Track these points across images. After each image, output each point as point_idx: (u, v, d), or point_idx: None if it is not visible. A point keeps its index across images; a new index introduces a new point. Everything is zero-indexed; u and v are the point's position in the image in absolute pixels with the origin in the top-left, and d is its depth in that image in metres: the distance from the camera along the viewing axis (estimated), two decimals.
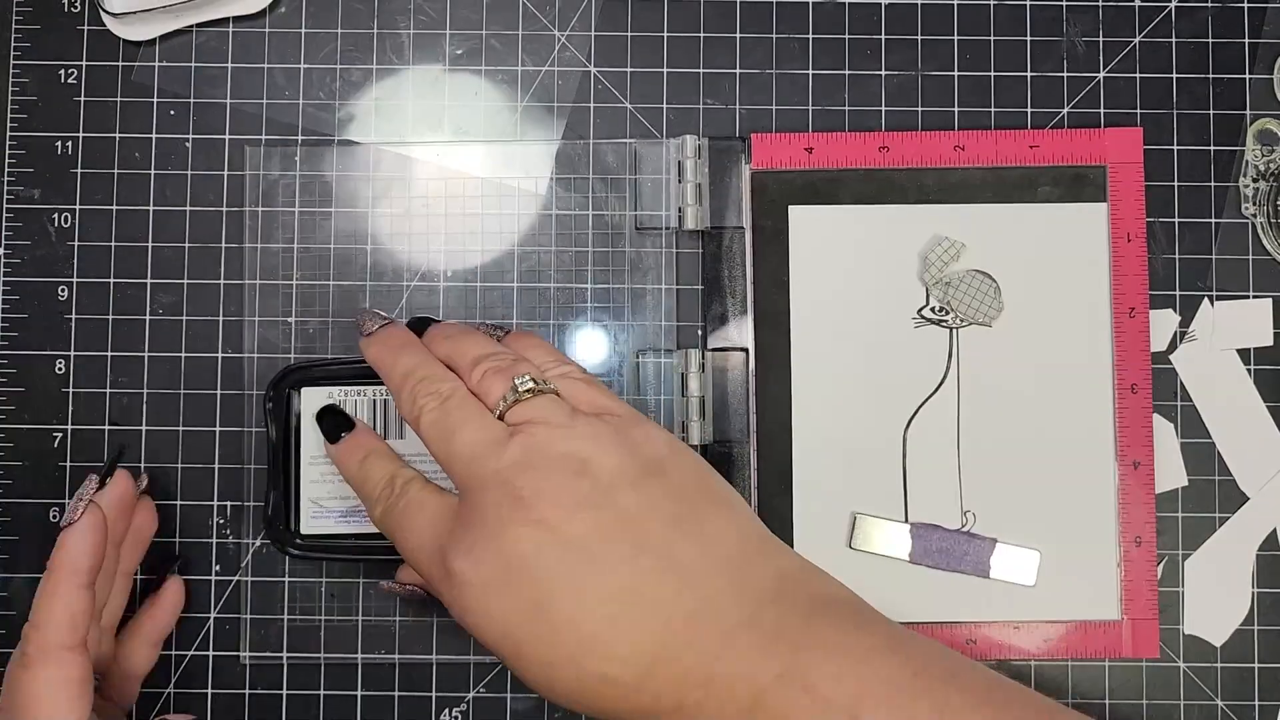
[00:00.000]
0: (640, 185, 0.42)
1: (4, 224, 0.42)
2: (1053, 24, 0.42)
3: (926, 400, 0.41)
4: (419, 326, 0.37)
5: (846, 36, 0.43)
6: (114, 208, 0.42)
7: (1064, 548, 0.40)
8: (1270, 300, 0.42)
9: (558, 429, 0.32)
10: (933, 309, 0.41)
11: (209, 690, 0.41)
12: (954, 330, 0.41)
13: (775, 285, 0.41)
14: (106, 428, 0.41)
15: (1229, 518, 0.41)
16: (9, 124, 0.42)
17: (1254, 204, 0.42)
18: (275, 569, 0.41)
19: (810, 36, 0.43)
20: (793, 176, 0.41)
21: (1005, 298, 0.41)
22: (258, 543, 0.41)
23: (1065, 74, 0.42)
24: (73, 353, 0.42)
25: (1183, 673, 0.41)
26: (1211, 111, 0.42)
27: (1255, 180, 0.42)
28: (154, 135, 0.42)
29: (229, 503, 0.41)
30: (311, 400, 0.39)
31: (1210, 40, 0.42)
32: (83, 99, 0.42)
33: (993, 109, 0.42)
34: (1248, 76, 0.42)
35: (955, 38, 0.42)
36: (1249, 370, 0.42)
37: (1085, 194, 0.41)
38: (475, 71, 0.43)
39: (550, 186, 0.42)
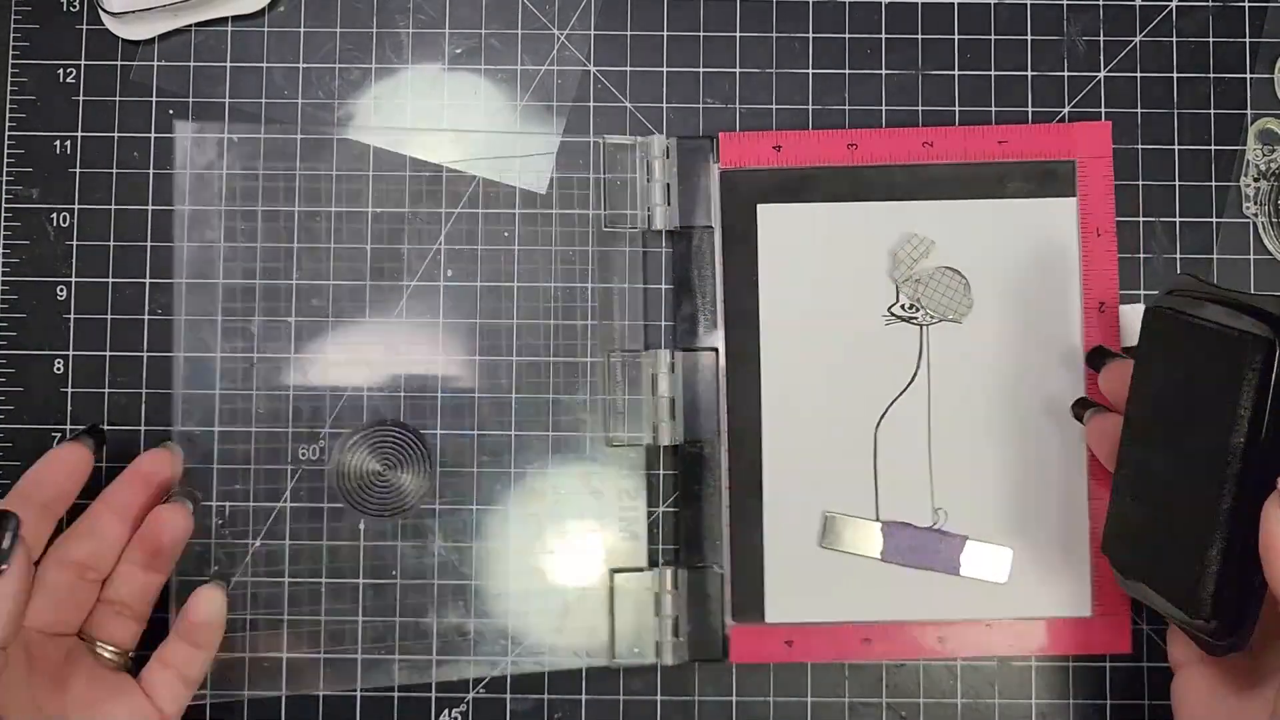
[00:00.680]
0: (609, 185, 0.42)
1: (2, 223, 0.42)
2: (1054, 23, 0.42)
3: (897, 398, 0.41)
4: None
5: (847, 36, 0.42)
6: (112, 207, 0.42)
7: (1035, 545, 0.40)
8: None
9: None
10: (903, 306, 0.41)
11: (208, 691, 0.41)
12: (924, 327, 0.41)
13: (744, 284, 0.41)
14: (105, 427, 0.41)
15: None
16: (8, 123, 0.42)
17: (1255, 203, 0.42)
18: (275, 569, 0.41)
19: (810, 35, 0.42)
20: (761, 175, 0.41)
21: (975, 294, 0.41)
22: (257, 543, 0.41)
23: (1066, 73, 0.42)
24: (71, 352, 0.42)
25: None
26: (1212, 111, 0.42)
27: (1256, 180, 0.42)
28: (153, 135, 0.42)
29: (228, 503, 0.41)
30: None
31: (1211, 39, 0.42)
32: (81, 98, 0.42)
33: (993, 108, 0.42)
34: (1249, 76, 0.42)
35: (956, 37, 0.42)
36: None
37: (1055, 189, 0.41)
38: (475, 70, 0.43)
39: (552, 185, 0.42)
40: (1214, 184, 0.42)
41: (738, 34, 0.42)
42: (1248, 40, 0.42)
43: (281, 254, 0.42)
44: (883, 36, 0.42)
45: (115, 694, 0.36)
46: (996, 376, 0.40)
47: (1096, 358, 0.39)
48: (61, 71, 0.42)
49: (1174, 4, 0.42)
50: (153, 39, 0.42)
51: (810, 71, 0.42)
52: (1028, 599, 0.40)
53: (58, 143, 0.42)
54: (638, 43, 0.42)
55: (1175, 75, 0.42)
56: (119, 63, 0.42)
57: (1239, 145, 0.42)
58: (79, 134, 0.42)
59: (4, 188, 0.42)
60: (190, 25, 0.42)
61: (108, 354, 0.42)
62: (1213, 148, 0.42)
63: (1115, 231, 0.41)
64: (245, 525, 0.41)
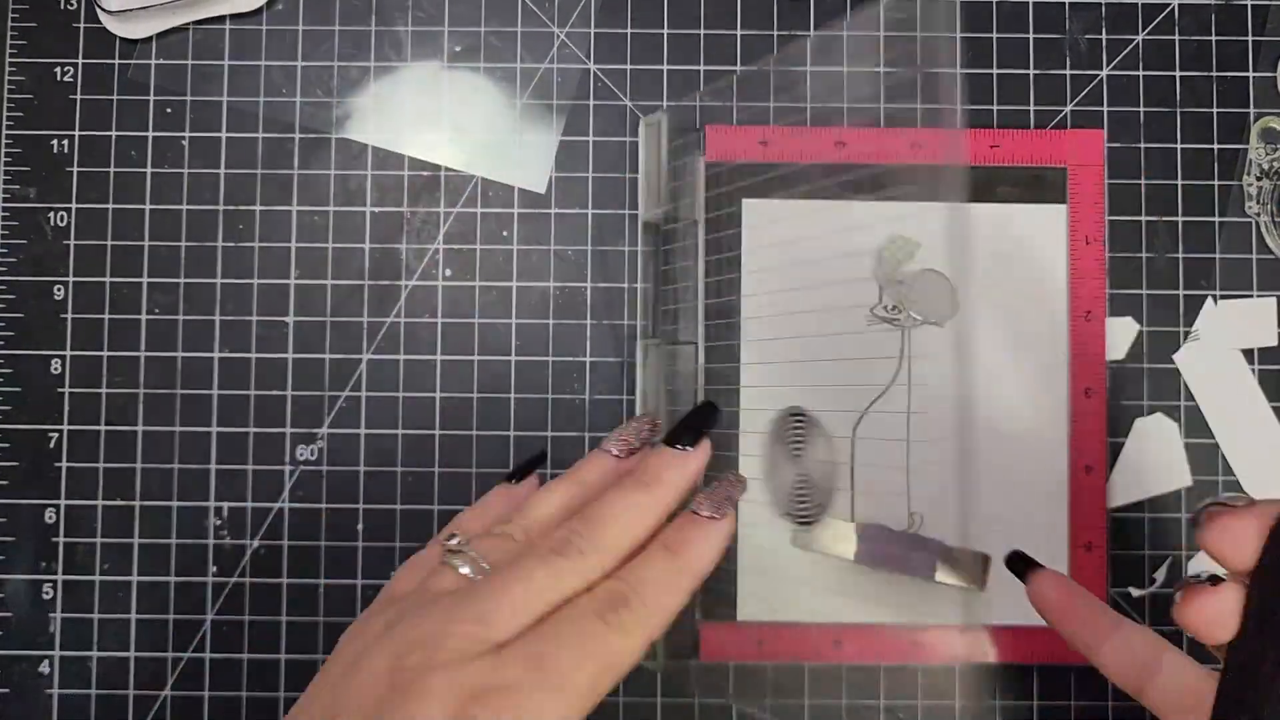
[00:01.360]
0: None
1: (0, 223, 0.42)
2: (1056, 22, 0.42)
3: (876, 400, 0.41)
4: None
5: (846, 35, 0.42)
6: (110, 206, 0.42)
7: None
8: (1274, 299, 0.41)
9: None
10: (885, 307, 0.41)
11: (206, 692, 0.41)
12: (906, 329, 0.41)
13: (726, 279, 0.41)
14: (102, 428, 0.41)
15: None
16: (5, 122, 0.42)
17: (1258, 202, 0.41)
18: (274, 570, 0.41)
19: (811, 34, 0.42)
20: (747, 169, 0.41)
21: (959, 298, 0.41)
22: (256, 543, 0.41)
23: (1068, 72, 0.42)
24: (69, 352, 0.42)
25: None
26: (1215, 110, 0.42)
27: (1259, 179, 0.42)
28: (150, 133, 0.42)
29: (226, 504, 0.41)
30: None
31: (1213, 38, 0.42)
32: (79, 97, 0.42)
33: (995, 107, 0.42)
34: (1251, 75, 0.42)
35: (958, 35, 0.42)
36: (1253, 370, 0.41)
37: (1044, 195, 0.41)
38: (474, 69, 0.42)
39: (551, 184, 0.42)
40: (1216, 183, 0.42)
41: (738, 32, 0.42)
42: (1250, 39, 0.42)
43: (280, 253, 0.42)
44: (882, 36, 0.42)
45: None
46: (978, 381, 0.40)
47: (1202, 516, 0.28)
48: (59, 70, 0.42)
49: (1176, 3, 0.42)
50: (150, 37, 0.42)
51: (809, 70, 0.42)
52: (1002, 605, 0.40)
53: (55, 141, 0.42)
54: (638, 41, 0.42)
55: (1177, 74, 0.42)
56: (117, 61, 0.42)
57: (1241, 144, 0.42)
58: (76, 133, 0.42)
59: (1, 187, 0.42)
60: (188, 23, 0.42)
61: (105, 354, 0.41)
62: (1215, 147, 0.42)
63: (1104, 240, 0.41)
64: (244, 526, 0.41)
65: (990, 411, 0.40)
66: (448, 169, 0.42)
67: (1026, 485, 0.40)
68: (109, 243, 0.42)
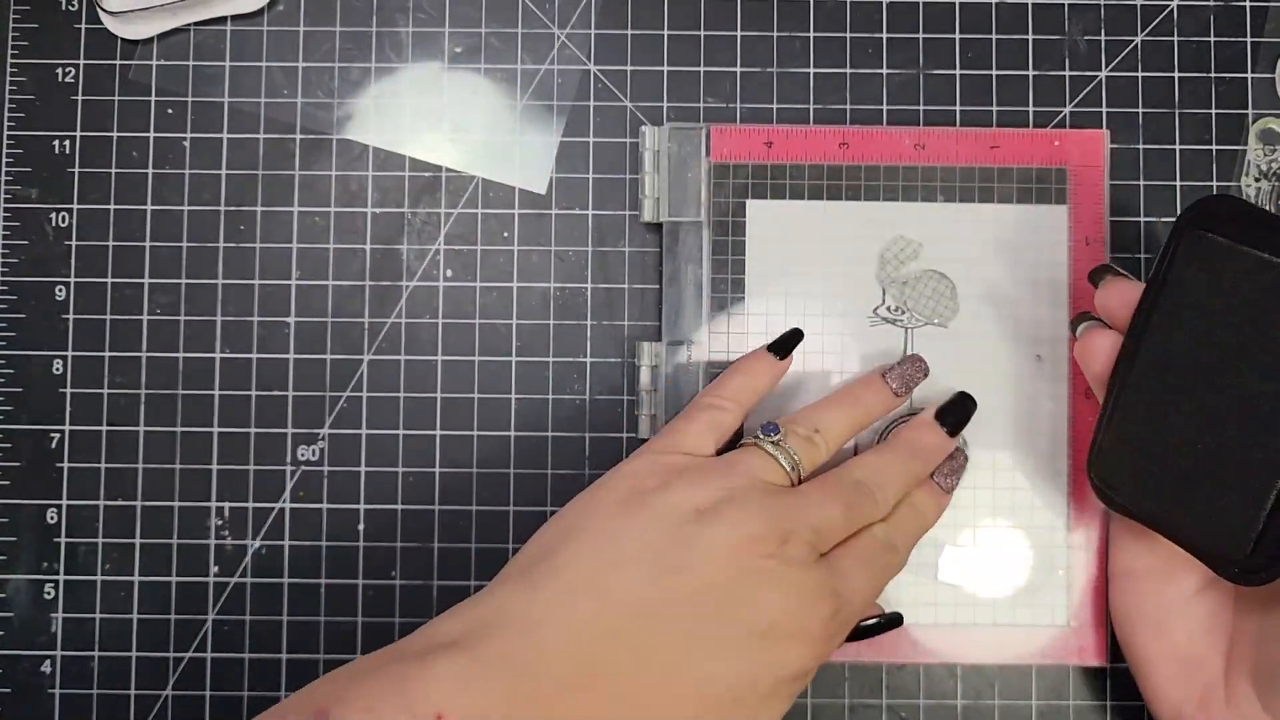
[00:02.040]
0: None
1: (1, 223, 0.42)
2: (1055, 23, 0.42)
3: None
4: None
5: (848, 35, 0.42)
6: (111, 207, 0.42)
7: (1014, 553, 0.40)
8: None
9: None
10: (888, 308, 0.41)
11: (207, 692, 0.41)
12: (909, 330, 0.41)
13: (731, 279, 0.41)
14: (104, 428, 0.41)
15: None
16: (6, 123, 0.42)
17: (1257, 203, 0.42)
18: (275, 570, 0.41)
19: (811, 35, 0.42)
20: (751, 170, 0.41)
21: (961, 299, 0.41)
22: (257, 543, 0.41)
23: (1067, 73, 0.42)
24: (70, 353, 0.42)
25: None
26: (1213, 111, 0.42)
27: (1257, 179, 0.42)
28: (151, 134, 0.42)
29: (227, 504, 0.41)
30: None
31: (1212, 39, 0.42)
32: (80, 98, 0.42)
33: (994, 108, 0.42)
34: (1249, 75, 0.42)
35: (957, 36, 0.42)
36: None
37: (1045, 196, 0.41)
38: (474, 70, 0.42)
39: (551, 185, 0.42)
40: (1215, 184, 0.42)
41: (738, 33, 0.42)
42: (1249, 40, 0.42)
43: (282, 254, 0.42)
44: (884, 36, 0.42)
45: None
46: (980, 382, 0.40)
47: (1098, 274, 0.37)
48: (60, 71, 0.42)
49: (1175, 4, 0.42)
50: (151, 38, 0.42)
51: (811, 71, 0.42)
52: (1004, 606, 0.40)
53: (56, 142, 0.42)
54: (638, 42, 0.42)
55: (1176, 75, 0.42)
56: (118, 62, 0.42)
57: (1240, 145, 0.42)
58: (78, 133, 0.42)
59: (3, 187, 0.42)
60: (189, 24, 0.42)
61: (107, 354, 0.42)
62: (1214, 148, 0.42)
63: (1105, 241, 0.41)
64: (245, 526, 0.41)
65: (991, 412, 0.40)
66: (448, 170, 0.42)
67: (1027, 485, 0.40)
68: (110, 243, 0.42)
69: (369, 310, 0.42)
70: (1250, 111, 0.42)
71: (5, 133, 0.42)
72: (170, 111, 0.42)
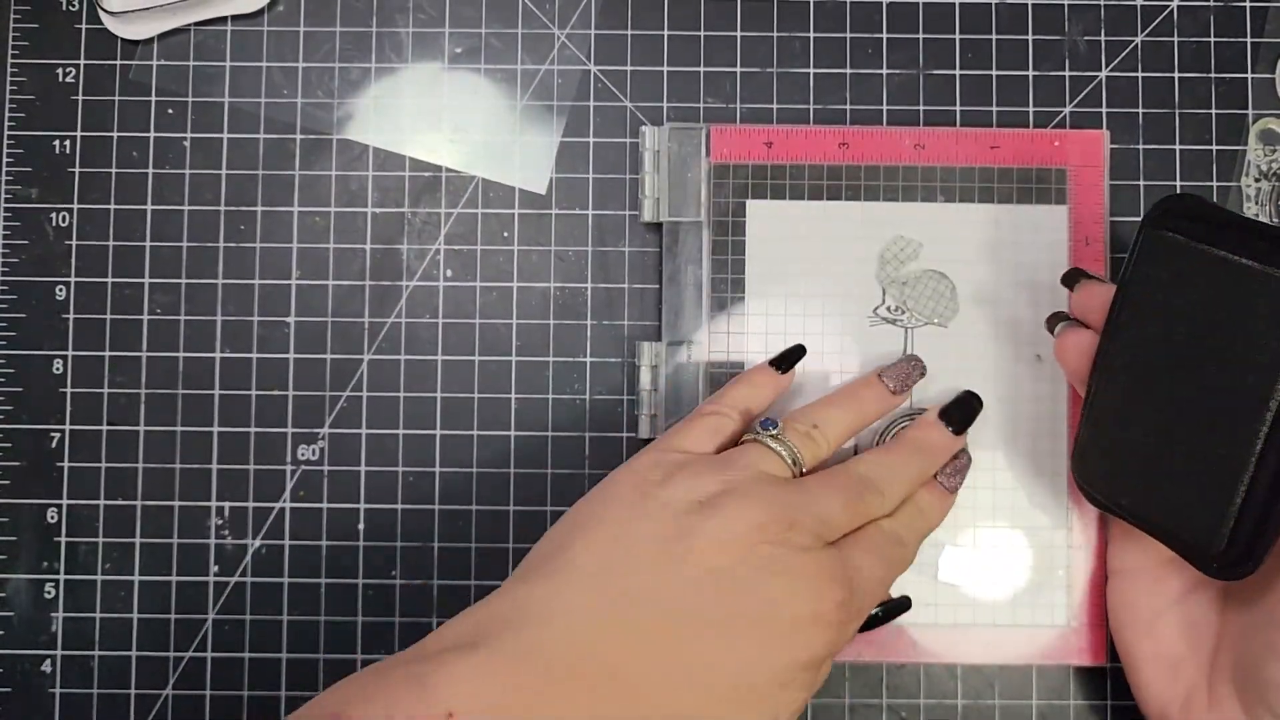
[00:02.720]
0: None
1: (1, 223, 0.42)
2: (1055, 23, 0.42)
3: None
4: None
5: (848, 35, 0.42)
6: (112, 207, 0.42)
7: (1014, 552, 0.40)
8: None
9: None
10: (888, 308, 0.41)
11: (207, 691, 0.41)
12: (909, 330, 0.41)
13: (731, 279, 0.41)
14: (104, 428, 0.41)
15: None
16: (7, 123, 0.42)
17: (1257, 204, 0.42)
18: (275, 569, 0.41)
19: (811, 35, 0.42)
20: (751, 170, 0.41)
21: (961, 299, 0.41)
22: (257, 543, 0.41)
23: (1067, 73, 0.42)
24: (70, 352, 0.42)
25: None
26: (1214, 111, 0.42)
27: (1258, 180, 0.42)
28: (152, 134, 0.42)
29: (227, 504, 0.41)
30: None
31: (1212, 39, 0.42)
32: (80, 98, 0.42)
33: (994, 108, 0.42)
34: (1250, 76, 0.42)
35: (957, 36, 0.42)
36: None
37: (1045, 196, 0.41)
38: (474, 70, 0.42)
39: (551, 185, 0.42)
40: (1215, 184, 0.42)
41: (738, 33, 0.42)
42: (1249, 40, 0.42)
43: (281, 254, 0.42)
44: (884, 36, 0.42)
45: None
46: (980, 382, 0.40)
47: (1071, 278, 0.37)
48: (60, 71, 0.42)
49: (1175, 4, 0.42)
50: (152, 38, 0.42)
51: (811, 71, 0.42)
52: (1004, 606, 0.40)
53: (57, 142, 0.42)
54: (638, 42, 0.42)
55: (1176, 75, 0.42)
56: (118, 62, 0.42)
57: (1240, 145, 0.42)
58: (78, 133, 0.42)
59: (3, 187, 0.42)
60: (189, 24, 0.42)
61: (107, 354, 0.42)
62: (1214, 148, 0.42)
63: (1105, 241, 0.41)
64: (245, 525, 0.41)
65: (990, 413, 0.40)
66: (449, 170, 0.42)
67: (1027, 485, 0.40)
68: (110, 243, 0.42)
69: (369, 310, 0.42)
70: (1250, 112, 0.42)
71: (5, 133, 0.42)
72: (170, 111, 0.42)
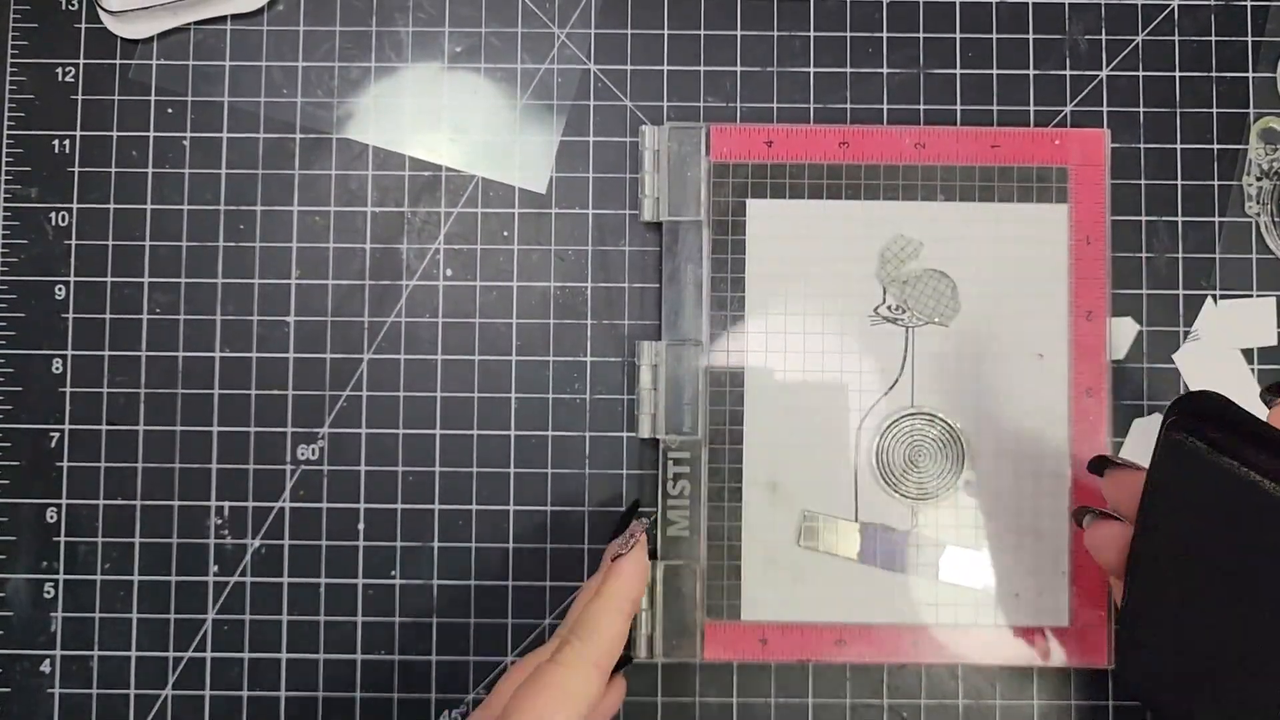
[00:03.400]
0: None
1: (1, 223, 0.42)
2: (1055, 22, 0.42)
3: (880, 399, 0.41)
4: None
5: (848, 34, 0.42)
6: (111, 206, 0.42)
7: (1014, 553, 0.40)
8: (1274, 299, 0.41)
9: None
10: (889, 307, 0.41)
11: (207, 691, 0.41)
12: (910, 329, 0.41)
13: (731, 279, 0.41)
14: (104, 427, 0.41)
15: None
16: (6, 122, 0.42)
17: (1258, 203, 0.41)
18: (273, 569, 0.41)
19: (811, 34, 0.42)
20: (751, 169, 0.41)
21: (962, 298, 0.41)
22: (257, 543, 0.41)
23: (1068, 72, 0.42)
24: (70, 352, 0.42)
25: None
26: (1215, 110, 0.42)
27: (1259, 179, 0.42)
28: (151, 133, 0.42)
29: (227, 503, 0.41)
30: None
31: (1213, 38, 0.42)
32: (80, 97, 0.42)
33: (995, 107, 0.42)
34: (1250, 75, 0.42)
35: (958, 35, 0.42)
36: (1253, 370, 0.41)
37: (1046, 195, 0.41)
38: (474, 69, 0.42)
39: (551, 185, 0.42)
40: (1216, 183, 0.42)
41: (738, 32, 0.42)
42: (1249, 39, 0.42)
43: (281, 253, 0.42)
44: (884, 35, 0.42)
45: None
46: (980, 381, 0.40)
47: (1098, 465, 0.35)
48: (60, 70, 0.42)
49: (1176, 3, 0.42)
50: (151, 37, 0.42)
51: (811, 70, 0.42)
52: (1004, 607, 0.40)
53: (56, 142, 0.42)
54: (638, 41, 0.42)
55: (1177, 74, 0.42)
56: (118, 61, 0.42)
57: (1241, 144, 0.42)
58: (78, 133, 0.42)
59: (3, 187, 0.42)
60: (189, 24, 0.42)
61: (106, 353, 0.42)
62: (1215, 147, 0.42)
63: (1105, 240, 0.41)
64: (245, 525, 0.41)
65: (991, 411, 0.40)
66: (448, 169, 0.42)
67: (1027, 485, 0.40)
68: (110, 243, 0.42)
69: (369, 309, 0.42)
70: (1251, 111, 0.42)
71: (5, 132, 0.42)
72: (170, 111, 0.42)
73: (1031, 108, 0.42)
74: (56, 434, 0.41)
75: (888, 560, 0.40)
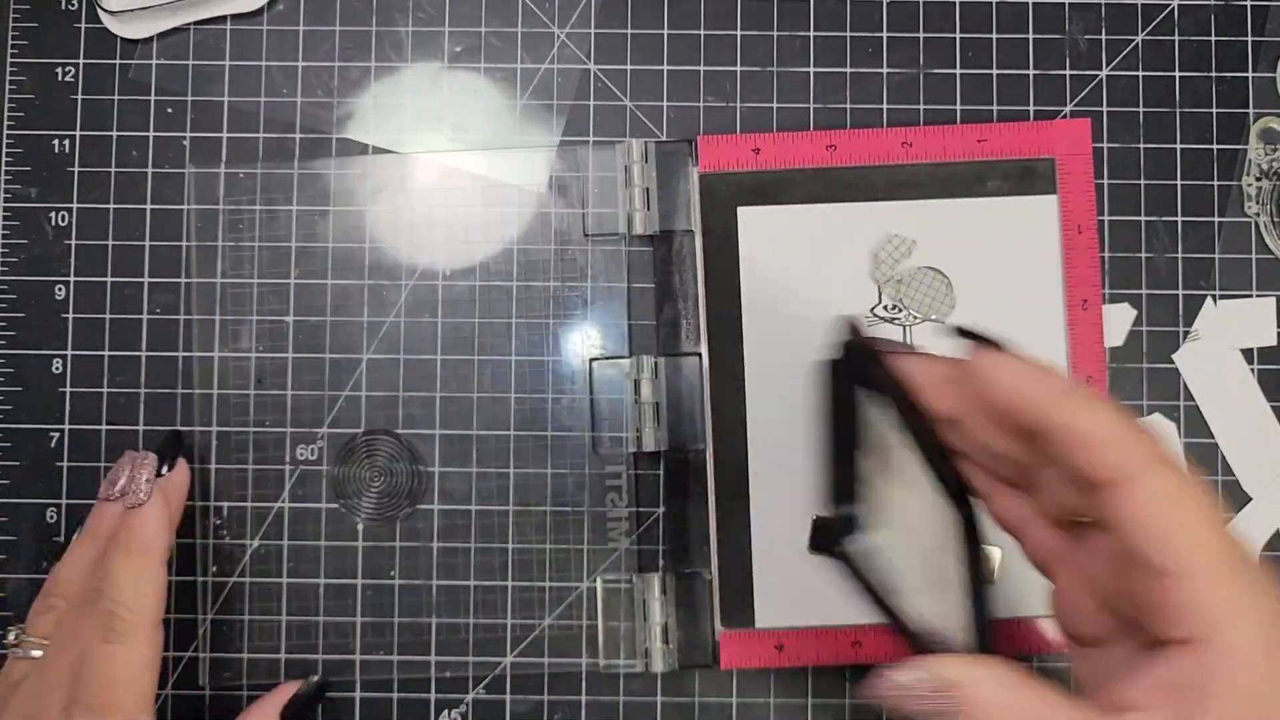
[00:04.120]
0: (590, 189, 0.41)
1: (1, 223, 0.42)
2: (1055, 22, 0.42)
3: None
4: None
5: (848, 34, 0.42)
6: (111, 206, 0.42)
7: (1013, 549, 0.40)
8: (1274, 299, 0.42)
9: None
10: (885, 307, 0.41)
11: (206, 691, 0.41)
12: (907, 327, 0.41)
13: (726, 288, 0.41)
14: (104, 427, 0.41)
15: (1232, 518, 0.41)
16: (6, 122, 0.42)
17: (1257, 203, 0.41)
18: (272, 570, 0.41)
19: (811, 34, 0.42)
20: (740, 178, 0.41)
21: (957, 293, 0.41)
22: (256, 543, 0.41)
23: (1068, 72, 0.42)
24: (70, 352, 0.42)
25: None
26: (1214, 110, 0.42)
27: (1258, 179, 0.42)
28: (151, 133, 0.42)
29: (226, 503, 0.41)
30: None
31: (1213, 38, 0.42)
32: (80, 97, 0.42)
33: (995, 106, 0.42)
34: (1250, 75, 0.42)
35: (958, 35, 0.42)
36: (1252, 370, 0.41)
37: (1035, 187, 0.41)
38: (474, 69, 0.42)
39: (551, 185, 0.42)
40: (1216, 183, 0.42)
41: (738, 32, 0.42)
42: (1249, 39, 0.42)
43: (280, 253, 0.42)
44: (884, 35, 0.42)
45: None
46: None
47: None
48: (60, 70, 0.42)
49: (1175, 3, 0.42)
50: (151, 37, 0.42)
51: (811, 70, 0.42)
52: (1015, 599, 0.40)
53: (56, 141, 0.42)
54: (638, 41, 0.42)
55: (1177, 74, 0.42)
56: (118, 61, 0.42)
57: (1241, 144, 0.42)
58: (77, 133, 0.42)
59: (2, 187, 0.42)
60: (189, 24, 0.42)
61: (106, 353, 0.42)
62: (1214, 147, 0.42)
63: (1096, 228, 0.41)
64: (243, 525, 0.41)
65: None
66: (447, 169, 0.42)
67: None
68: (110, 242, 0.42)
69: (368, 309, 0.42)
70: (1251, 111, 0.42)
71: (5, 132, 0.42)
72: (170, 111, 0.42)
73: (1031, 107, 0.42)
74: (56, 434, 0.41)
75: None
